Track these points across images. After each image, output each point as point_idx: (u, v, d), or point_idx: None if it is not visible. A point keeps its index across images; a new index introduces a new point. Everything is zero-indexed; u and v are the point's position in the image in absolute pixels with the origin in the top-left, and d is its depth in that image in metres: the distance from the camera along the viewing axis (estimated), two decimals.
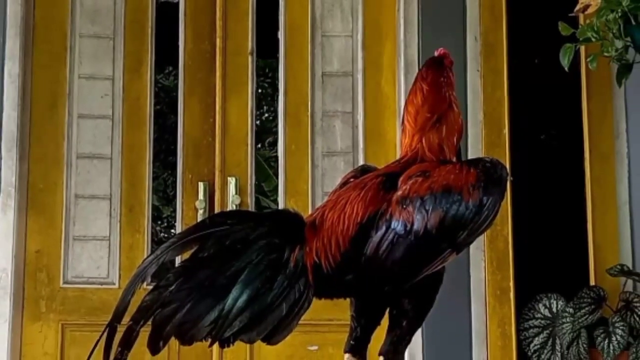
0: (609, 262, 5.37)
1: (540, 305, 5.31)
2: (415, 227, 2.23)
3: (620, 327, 4.73)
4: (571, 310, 4.99)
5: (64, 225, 5.57)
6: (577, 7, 5.00)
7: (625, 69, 5.02)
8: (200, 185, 5.64)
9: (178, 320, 2.13)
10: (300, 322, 2.24)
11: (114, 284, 5.54)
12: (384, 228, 2.25)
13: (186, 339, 2.17)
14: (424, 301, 2.36)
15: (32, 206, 5.54)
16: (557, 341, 5.18)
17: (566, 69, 4.97)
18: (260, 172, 7.85)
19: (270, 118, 11.42)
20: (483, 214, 2.29)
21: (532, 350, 5.28)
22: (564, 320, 5.04)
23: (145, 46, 5.83)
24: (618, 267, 5.19)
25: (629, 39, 4.87)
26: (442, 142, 2.46)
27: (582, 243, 5.54)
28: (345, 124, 5.81)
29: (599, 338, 4.79)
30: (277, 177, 5.95)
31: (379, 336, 2.39)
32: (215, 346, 2.20)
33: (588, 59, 5.06)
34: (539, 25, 5.64)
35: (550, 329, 5.24)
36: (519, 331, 5.38)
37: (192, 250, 2.23)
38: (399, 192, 2.30)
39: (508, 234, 5.52)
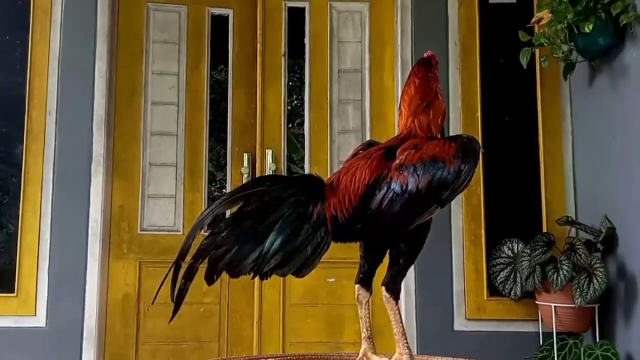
0: (557, 214, 5.36)
1: (505, 247, 5.29)
2: (409, 187, 2.22)
3: (566, 264, 4.71)
4: (528, 251, 4.97)
5: (141, 186, 5.58)
6: (533, 20, 5.06)
7: (569, 67, 5.06)
8: (245, 155, 5.65)
9: (228, 259, 2.13)
10: (321, 260, 2.23)
11: (179, 231, 5.56)
12: (385, 188, 2.24)
13: (234, 274, 2.16)
14: (416, 244, 2.35)
15: (116, 172, 5.55)
16: (518, 275, 5.17)
17: (525, 66, 5.01)
18: (291, 146, 7.83)
19: (299, 104, 11.37)
20: (461, 178, 2.27)
21: (498, 282, 5.27)
22: (523, 259, 5.02)
23: (203, 49, 5.83)
24: (564, 218, 5.18)
25: (572, 44, 4.90)
26: (430, 123, 2.45)
27: (537, 199, 5.53)
28: (355, 109, 5.80)
29: (549, 272, 4.77)
30: (303, 150, 5.94)
31: (382, 271, 2.38)
32: (256, 279, 2.19)
33: (541, 59, 5.11)
34: (504, 33, 5.62)
35: (513, 265, 5.23)
36: (488, 267, 5.37)
37: (239, 205, 2.22)
38: (397, 161, 2.28)
39: (480, 192, 5.51)
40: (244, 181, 5.50)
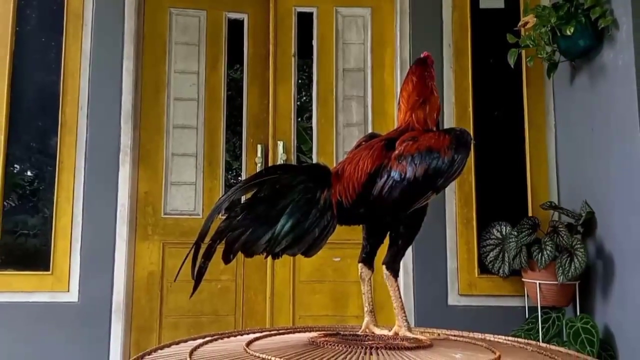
0: (541, 200, 5.36)
1: (494, 229, 5.29)
2: (407, 175, 2.21)
3: (549, 245, 4.71)
4: (515, 233, 4.98)
5: (164, 174, 5.60)
6: (520, 23, 5.08)
7: (553, 66, 5.06)
8: (259, 146, 5.65)
9: (243, 240, 2.12)
10: (327, 241, 2.22)
11: (198, 215, 5.57)
12: (385, 176, 2.23)
13: (248, 253, 2.16)
14: (414, 227, 2.34)
15: (142, 161, 5.56)
16: (506, 255, 5.17)
17: (512, 66, 5.01)
18: (300, 138, 7.82)
19: (307, 100, 11.34)
20: (454, 167, 2.26)
21: (488, 261, 5.27)
22: (510, 240, 5.03)
23: (221, 50, 5.83)
24: (548, 203, 5.17)
25: (555, 45, 4.90)
26: (426, 117, 2.44)
27: (523, 186, 5.53)
28: (358, 105, 5.79)
29: (534, 252, 4.77)
30: (311, 141, 5.92)
31: (382, 251, 2.37)
32: (269, 258, 2.18)
33: (527, 59, 5.11)
34: (493, 35, 5.61)
35: (501, 246, 5.23)
36: (479, 248, 5.37)
37: (253, 192, 2.21)
38: (396, 152, 2.27)
39: (472, 180, 5.51)
40: (258, 170, 5.51)
